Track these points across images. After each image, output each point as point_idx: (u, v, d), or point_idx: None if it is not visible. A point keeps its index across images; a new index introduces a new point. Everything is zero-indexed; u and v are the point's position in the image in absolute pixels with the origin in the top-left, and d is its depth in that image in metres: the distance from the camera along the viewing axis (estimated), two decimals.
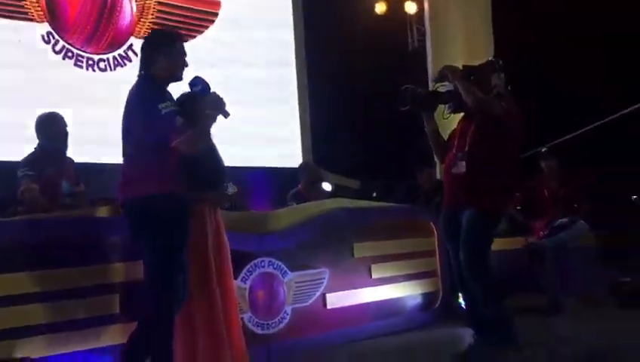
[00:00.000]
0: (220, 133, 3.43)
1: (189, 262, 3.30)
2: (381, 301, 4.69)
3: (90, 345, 3.23)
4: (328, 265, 4.40)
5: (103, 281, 3.36)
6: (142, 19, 6.55)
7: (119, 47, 6.38)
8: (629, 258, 6.33)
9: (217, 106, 3.17)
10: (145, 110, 3.01)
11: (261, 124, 7.07)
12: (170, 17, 6.75)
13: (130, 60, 6.38)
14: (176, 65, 3.16)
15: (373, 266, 4.68)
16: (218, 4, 7.14)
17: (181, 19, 6.82)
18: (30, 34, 5.94)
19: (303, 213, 4.48)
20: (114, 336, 3.29)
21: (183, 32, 6.60)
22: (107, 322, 3.31)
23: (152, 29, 6.44)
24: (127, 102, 3.11)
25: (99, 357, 3.25)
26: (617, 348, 3.75)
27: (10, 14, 5.78)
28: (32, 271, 3.14)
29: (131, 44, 6.43)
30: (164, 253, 2.95)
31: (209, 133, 3.28)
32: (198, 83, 3.23)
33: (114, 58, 6.33)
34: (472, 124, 3.54)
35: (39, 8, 5.91)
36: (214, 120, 3.19)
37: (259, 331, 3.97)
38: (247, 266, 3.96)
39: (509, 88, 3.61)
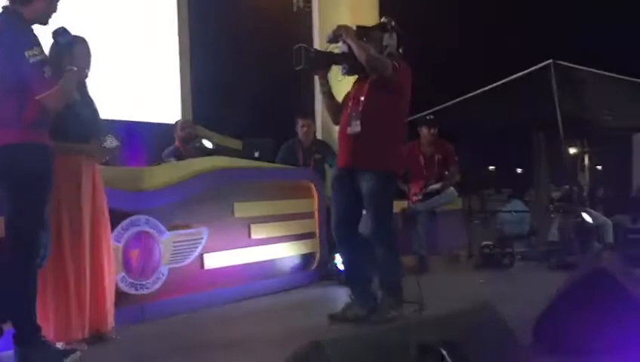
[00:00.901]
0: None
1: (62, 217, 3.12)
2: (260, 261, 4.69)
3: None
4: (207, 225, 4.31)
5: None
6: None
7: None
8: (489, 223, 6.81)
9: (80, 61, 3.00)
10: (11, 54, 2.76)
11: (143, 80, 6.74)
12: None
13: None
14: (50, 9, 2.93)
15: (252, 226, 4.66)
16: None
17: None
18: None
19: (182, 171, 4.33)
20: None
21: None
22: None
23: None
24: None
25: None
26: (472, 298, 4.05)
27: None
28: None
29: None
30: (24, 206, 2.75)
31: (72, 90, 3.05)
32: (61, 33, 3.03)
33: None
34: (366, 84, 3.57)
35: None
36: (78, 76, 3.04)
37: (132, 291, 3.82)
38: (121, 224, 3.77)
39: (400, 51, 3.66)
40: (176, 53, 7.28)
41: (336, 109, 3.71)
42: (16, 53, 2.74)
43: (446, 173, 5.96)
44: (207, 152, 5.67)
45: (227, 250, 4.45)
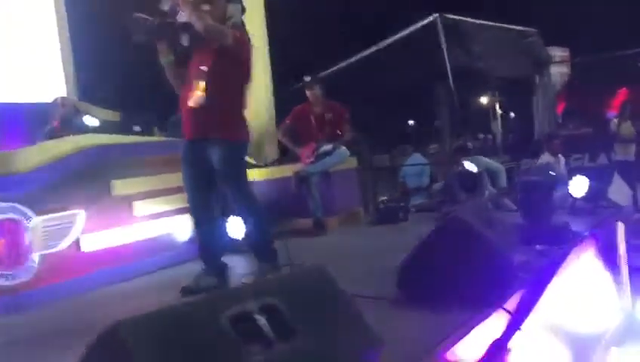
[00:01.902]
0: None
1: None
2: (146, 239, 4.56)
3: None
4: (84, 206, 4.14)
5: None
6: None
7: None
8: (382, 180, 6.92)
9: None
10: None
11: (18, 58, 6.36)
12: None
13: None
14: None
15: (135, 203, 4.51)
16: None
17: None
18: None
19: (52, 152, 4.11)
20: None
21: None
22: None
23: None
24: None
25: None
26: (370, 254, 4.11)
27: None
28: None
29: None
30: None
31: None
32: None
33: None
34: (207, 54, 3.47)
35: None
36: None
37: (3, 282, 3.64)
38: None
39: (244, 21, 3.59)
40: (54, 30, 6.90)
41: (180, 81, 3.59)
42: None
43: (338, 132, 5.97)
44: (89, 131, 5.42)
45: (107, 229, 4.30)
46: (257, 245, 3.61)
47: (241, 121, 3.57)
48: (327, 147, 5.81)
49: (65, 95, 6.24)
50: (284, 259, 3.73)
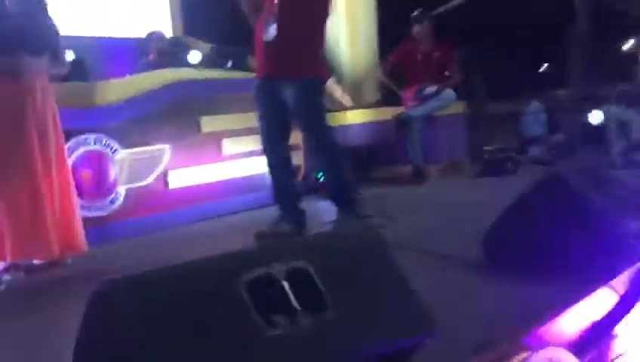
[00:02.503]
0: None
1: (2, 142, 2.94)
2: (235, 178, 4.46)
3: None
4: (170, 142, 4.08)
5: None
6: None
7: None
8: (492, 127, 6.36)
9: None
10: None
11: None
12: None
13: None
14: None
15: (224, 141, 4.40)
16: None
17: None
18: None
19: (139, 86, 4.06)
20: None
21: None
22: None
23: None
24: None
25: None
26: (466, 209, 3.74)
27: None
28: None
29: None
30: None
31: None
32: None
33: None
34: None
35: None
36: None
37: (88, 213, 3.67)
38: (68, 144, 3.56)
39: None
40: None
41: (256, 10, 3.28)
42: None
43: (445, 73, 5.50)
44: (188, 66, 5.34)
45: (194, 166, 4.23)
46: (337, 193, 3.35)
47: (319, 58, 3.26)
48: (432, 89, 5.37)
49: (167, 29, 6.19)
50: (373, 209, 3.45)
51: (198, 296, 1.26)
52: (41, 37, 3.06)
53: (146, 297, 1.21)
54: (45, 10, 3.13)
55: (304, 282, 1.40)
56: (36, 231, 3.04)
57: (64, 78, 3.78)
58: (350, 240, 1.56)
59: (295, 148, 4.79)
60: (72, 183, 3.32)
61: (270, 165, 3.39)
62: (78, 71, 5.00)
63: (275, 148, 3.33)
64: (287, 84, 3.16)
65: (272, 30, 3.07)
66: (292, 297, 1.36)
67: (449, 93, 5.41)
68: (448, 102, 5.46)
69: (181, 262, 1.34)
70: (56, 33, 3.14)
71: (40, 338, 2.25)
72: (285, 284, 1.38)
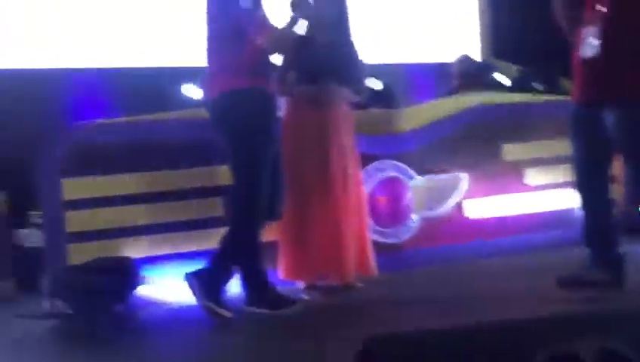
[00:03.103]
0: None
1: (307, 167, 3.12)
2: (536, 211, 4.05)
3: (192, 247, 3.23)
4: (468, 169, 3.87)
5: (207, 184, 3.32)
6: None
7: None
8: None
9: (303, 8, 2.85)
10: (223, 5, 2.79)
11: (434, 18, 6.47)
12: None
13: None
14: None
15: (527, 171, 4.03)
16: None
17: None
18: None
19: (436, 111, 3.95)
20: (217, 239, 3.25)
21: None
22: (211, 225, 3.26)
23: None
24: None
25: (201, 259, 3.25)
26: None
27: None
28: (135, 173, 3.20)
29: None
30: (244, 156, 2.76)
31: (290, 35, 2.93)
32: None
33: None
34: None
35: None
36: (297, 23, 2.91)
37: (381, 239, 3.66)
38: (366, 170, 3.62)
39: None
40: None
41: (575, 22, 2.78)
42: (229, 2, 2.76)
43: None
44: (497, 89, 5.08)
45: (494, 196, 3.95)
46: None
47: None
48: None
49: (475, 53, 6.03)
50: None
51: None
52: (345, 66, 3.15)
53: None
54: (350, 39, 3.22)
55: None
56: (335, 254, 3.12)
57: (371, 105, 3.90)
58: None
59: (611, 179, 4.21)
60: (367, 208, 3.35)
61: (583, 200, 2.91)
62: (386, 98, 5.14)
63: (592, 182, 2.84)
64: (613, 108, 2.67)
65: (594, 47, 2.61)
66: None
67: None
68: None
69: (460, 324, 1.12)
70: (359, 63, 3.21)
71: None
72: None
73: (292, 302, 2.84)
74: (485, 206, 3.92)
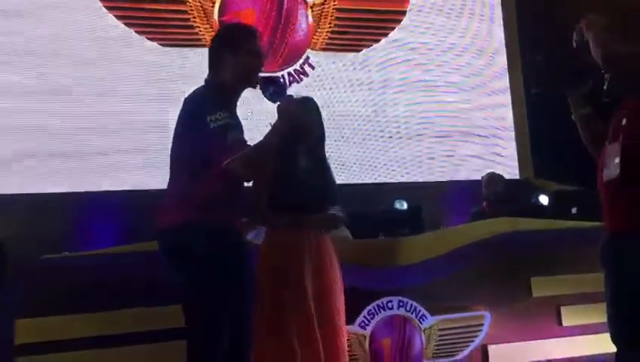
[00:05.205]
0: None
1: (284, 298, 2.70)
2: (577, 357, 3.42)
3: None
4: (491, 307, 3.33)
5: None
6: (319, 30, 6.09)
7: (294, 62, 6.01)
8: None
9: (285, 117, 2.51)
10: (190, 124, 2.49)
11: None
12: (350, 23, 6.20)
13: (306, 75, 6.00)
14: (243, 68, 2.57)
15: (563, 309, 3.45)
16: (406, 0, 6.39)
17: (362, 23, 6.23)
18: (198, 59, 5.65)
19: (454, 238, 3.48)
20: None
21: (368, 37, 6.10)
22: None
23: (329, 38, 6.03)
24: (178, 115, 2.61)
25: None
26: None
27: (184, 42, 5.80)
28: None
29: (307, 58, 6.04)
30: (195, 296, 2.36)
31: (272, 151, 2.58)
32: (269, 87, 2.58)
33: (289, 74, 5.98)
34: (627, 105, 2.21)
35: (213, 32, 5.81)
36: (281, 134, 2.52)
37: None
38: (368, 308, 3.14)
39: None
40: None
41: (598, 141, 2.37)
42: (197, 122, 2.44)
43: None
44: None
45: (525, 341, 3.37)
46: None
47: None
48: None
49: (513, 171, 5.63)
50: None
51: None
52: (326, 195, 2.84)
53: None
54: (328, 168, 2.93)
55: None
56: None
57: (391, 229, 3.54)
58: None
59: None
60: (345, 350, 2.83)
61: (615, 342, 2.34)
62: (410, 220, 4.83)
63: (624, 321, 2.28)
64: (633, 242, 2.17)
65: (616, 167, 2.17)
66: None
67: None
68: None
69: None
70: (336, 189, 2.89)
71: None
72: None
73: None
74: (513, 352, 3.33)
